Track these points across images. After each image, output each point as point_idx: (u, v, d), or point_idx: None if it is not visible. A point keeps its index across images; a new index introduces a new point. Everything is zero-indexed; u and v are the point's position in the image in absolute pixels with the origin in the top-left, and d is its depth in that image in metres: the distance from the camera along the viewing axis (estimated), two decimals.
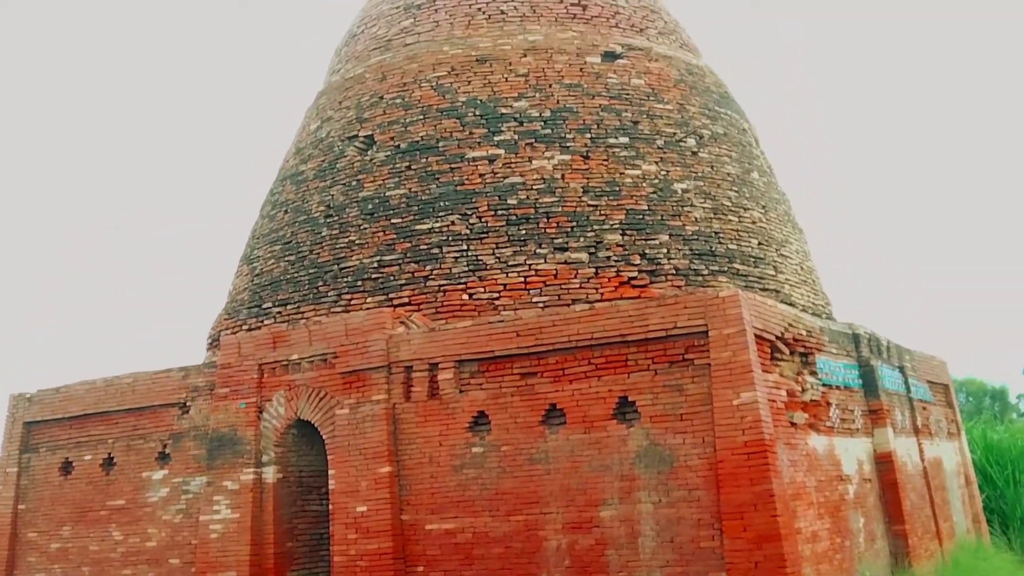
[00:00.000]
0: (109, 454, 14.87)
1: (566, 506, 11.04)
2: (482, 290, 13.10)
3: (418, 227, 13.75)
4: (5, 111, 67.63)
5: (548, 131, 14.16)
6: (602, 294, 12.86)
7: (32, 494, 15.57)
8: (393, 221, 13.96)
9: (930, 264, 76.52)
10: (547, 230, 13.36)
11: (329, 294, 13.98)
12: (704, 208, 14.03)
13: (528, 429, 11.43)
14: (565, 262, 13.12)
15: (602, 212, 13.50)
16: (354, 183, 14.65)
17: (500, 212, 13.55)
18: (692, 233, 13.68)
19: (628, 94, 14.78)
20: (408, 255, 13.61)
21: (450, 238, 13.52)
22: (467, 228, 13.53)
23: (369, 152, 14.89)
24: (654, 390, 10.85)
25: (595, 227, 13.37)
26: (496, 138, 14.17)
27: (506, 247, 13.31)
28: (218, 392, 13.62)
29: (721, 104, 15.86)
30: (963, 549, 14.21)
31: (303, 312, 14.11)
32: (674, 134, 14.62)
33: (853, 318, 14.29)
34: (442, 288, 13.23)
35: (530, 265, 13.14)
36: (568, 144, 14.05)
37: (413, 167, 14.28)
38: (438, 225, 13.66)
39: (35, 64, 70.48)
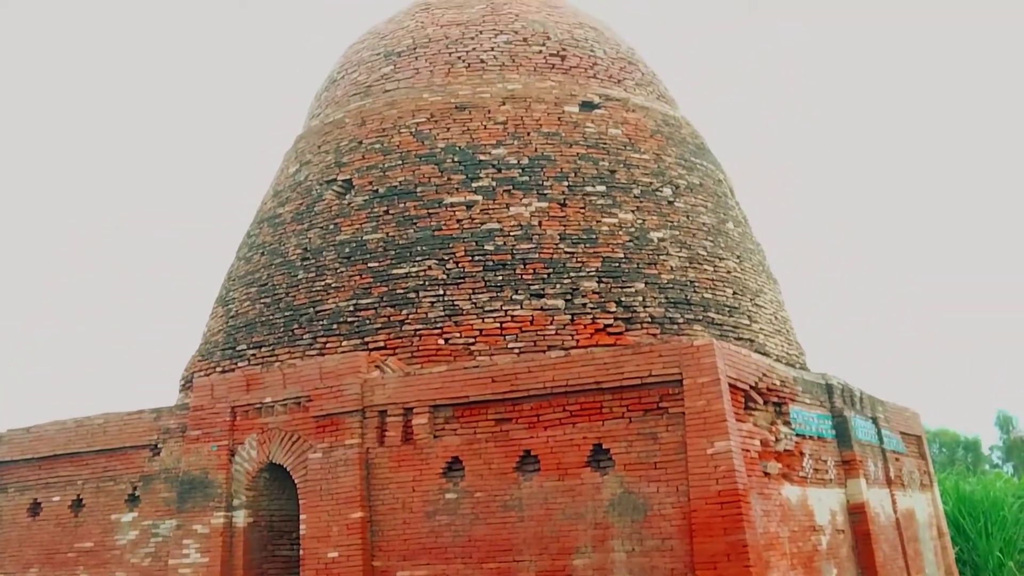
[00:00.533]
0: (78, 495, 14.67)
1: (539, 554, 10.98)
2: (458, 335, 13.10)
3: (395, 271, 13.77)
4: (5, 111, 67.59)
5: (526, 178, 14.26)
6: (578, 341, 12.90)
7: (0, 535, 15.36)
8: (370, 265, 13.98)
9: (904, 314, 77.21)
10: (524, 276, 13.41)
11: (304, 337, 13.93)
12: (680, 257, 14.14)
13: (502, 476, 11.39)
14: (541, 308, 13.16)
15: (579, 259, 13.57)
16: (331, 227, 14.68)
17: (477, 258, 13.60)
18: (668, 282, 13.76)
19: (605, 143, 14.92)
20: (384, 299, 13.61)
21: (427, 283, 13.54)
22: (444, 273, 13.56)
23: (347, 196, 14.93)
24: (628, 438, 10.85)
25: (571, 274, 13.43)
26: (474, 184, 14.25)
27: (483, 292, 13.34)
28: (190, 434, 13.51)
29: (697, 155, 16.04)
30: None
31: (278, 355, 14.05)
32: (651, 183, 14.75)
33: (827, 368, 14.39)
34: (418, 332, 13.22)
35: (506, 311, 13.17)
36: (545, 191, 14.15)
37: (391, 212, 14.33)
38: (415, 270, 13.69)
39: (35, 64, 70.63)
